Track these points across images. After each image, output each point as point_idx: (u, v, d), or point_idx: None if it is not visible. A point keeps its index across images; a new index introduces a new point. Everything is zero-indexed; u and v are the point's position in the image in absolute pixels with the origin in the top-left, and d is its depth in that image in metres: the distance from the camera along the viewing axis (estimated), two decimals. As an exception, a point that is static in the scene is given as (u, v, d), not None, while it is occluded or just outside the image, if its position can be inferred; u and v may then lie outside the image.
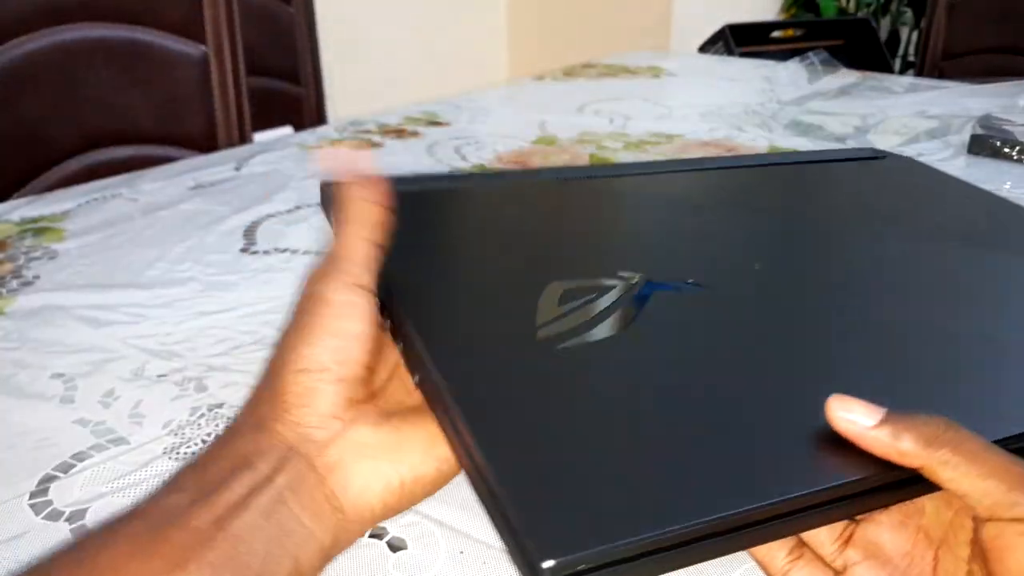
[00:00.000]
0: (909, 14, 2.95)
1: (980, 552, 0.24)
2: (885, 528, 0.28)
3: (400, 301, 0.32)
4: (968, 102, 1.04)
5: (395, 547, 0.33)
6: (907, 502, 0.28)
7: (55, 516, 0.35)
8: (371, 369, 0.29)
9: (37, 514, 0.36)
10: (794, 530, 0.26)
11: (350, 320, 0.29)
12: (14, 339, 0.48)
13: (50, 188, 0.89)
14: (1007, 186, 0.75)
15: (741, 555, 0.32)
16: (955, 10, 1.62)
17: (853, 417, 0.25)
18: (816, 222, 0.45)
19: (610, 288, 0.34)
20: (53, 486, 0.37)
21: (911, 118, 0.99)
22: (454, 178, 0.45)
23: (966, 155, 0.85)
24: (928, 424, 0.24)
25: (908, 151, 0.86)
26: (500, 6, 2.40)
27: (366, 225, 0.31)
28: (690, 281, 0.36)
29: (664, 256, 0.39)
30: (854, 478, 0.25)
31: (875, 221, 0.46)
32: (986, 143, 0.84)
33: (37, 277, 0.56)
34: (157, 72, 1.00)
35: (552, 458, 0.26)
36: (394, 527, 0.34)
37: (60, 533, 0.34)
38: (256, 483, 0.26)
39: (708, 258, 0.40)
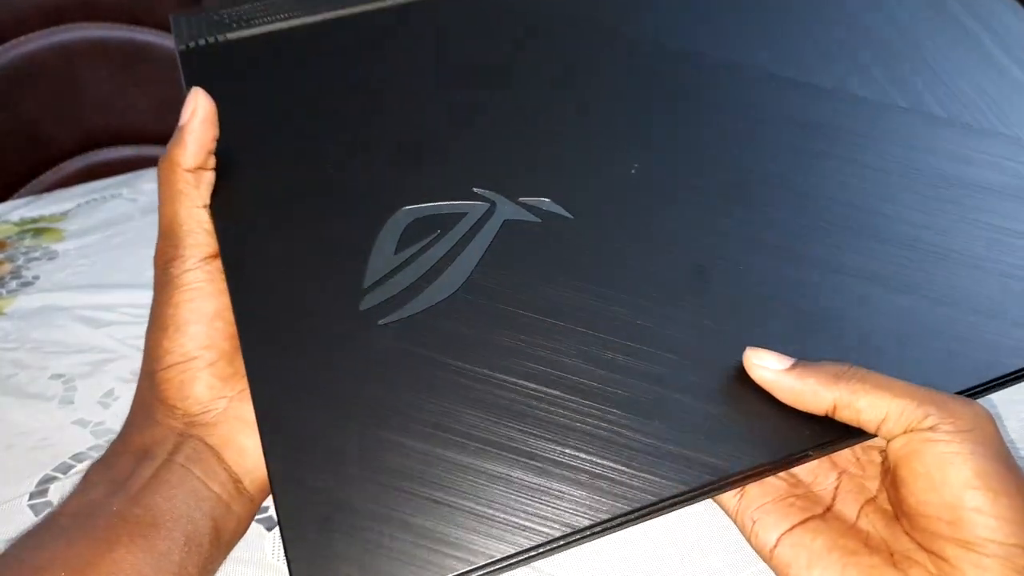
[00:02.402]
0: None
1: (889, 475, 0.26)
2: None
3: (225, 261, 0.30)
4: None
5: (394, 547, 0.33)
6: None
7: (54, 516, 0.35)
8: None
9: (37, 514, 0.36)
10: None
11: (204, 299, 0.29)
12: (13, 339, 0.48)
13: (50, 188, 0.89)
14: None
15: (750, 556, 0.32)
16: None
17: (765, 364, 0.26)
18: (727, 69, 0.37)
19: (458, 217, 0.31)
20: (53, 486, 0.37)
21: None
22: (275, 6, 0.38)
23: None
24: (833, 364, 0.26)
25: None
26: None
27: (193, 191, 0.30)
28: (548, 205, 0.31)
29: (531, 154, 0.33)
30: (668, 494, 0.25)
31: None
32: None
33: (37, 277, 0.56)
34: (157, 72, 1.00)
35: (341, 497, 0.25)
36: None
37: (59, 533, 0.34)
38: (159, 466, 0.28)
39: (587, 150, 0.33)
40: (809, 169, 0.33)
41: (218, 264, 0.30)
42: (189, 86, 0.33)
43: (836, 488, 0.29)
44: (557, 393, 0.27)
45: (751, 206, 0.32)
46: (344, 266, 0.29)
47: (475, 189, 0.32)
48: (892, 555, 0.26)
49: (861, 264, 0.30)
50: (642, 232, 0.31)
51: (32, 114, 0.94)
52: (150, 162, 0.88)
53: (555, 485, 0.25)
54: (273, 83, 0.35)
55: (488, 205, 0.31)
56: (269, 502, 0.35)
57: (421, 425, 0.26)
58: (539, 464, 0.26)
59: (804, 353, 0.27)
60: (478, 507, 0.25)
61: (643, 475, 0.26)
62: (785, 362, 0.27)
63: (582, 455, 0.26)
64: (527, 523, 0.25)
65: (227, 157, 0.32)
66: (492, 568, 0.24)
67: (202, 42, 0.36)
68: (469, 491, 0.25)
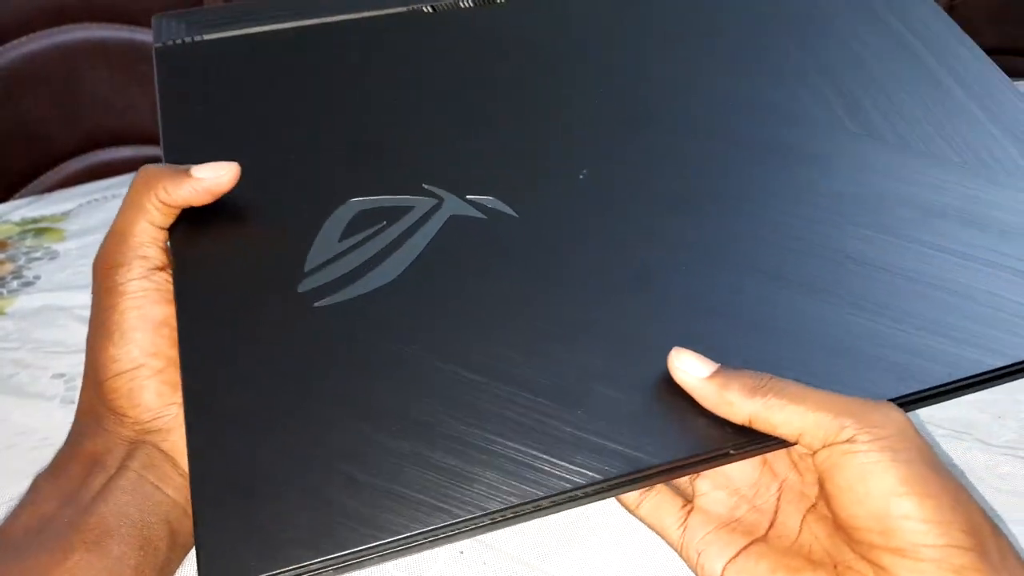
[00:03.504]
0: (909, 14, 2.95)
1: (820, 486, 0.26)
2: (736, 463, 0.30)
3: (171, 241, 0.30)
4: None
5: (395, 547, 0.33)
6: None
7: (56, 516, 0.35)
8: None
9: (38, 514, 0.36)
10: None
11: (150, 306, 0.29)
12: (15, 339, 0.48)
13: (51, 188, 0.89)
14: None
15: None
16: (955, 11, 1.62)
17: (688, 368, 0.26)
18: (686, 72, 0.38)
19: (404, 211, 0.31)
20: (54, 486, 0.37)
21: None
22: (253, 12, 0.39)
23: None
24: (751, 376, 0.26)
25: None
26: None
27: (158, 216, 0.30)
28: (493, 204, 0.32)
29: (482, 152, 0.34)
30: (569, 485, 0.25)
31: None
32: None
33: (38, 277, 0.56)
34: (157, 72, 1.00)
35: (256, 466, 0.25)
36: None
37: (61, 533, 0.34)
38: (111, 475, 0.28)
39: (537, 153, 0.34)
40: (755, 184, 0.34)
41: (165, 275, 0.30)
42: (161, 82, 0.34)
43: (778, 499, 0.29)
44: (483, 380, 0.27)
45: (695, 216, 0.33)
46: (286, 251, 0.30)
47: (424, 185, 0.32)
48: (836, 567, 0.26)
49: (799, 276, 0.31)
50: (585, 234, 0.31)
51: (33, 114, 0.94)
52: (150, 162, 0.88)
53: (472, 468, 0.26)
54: (239, 82, 0.36)
55: (435, 201, 0.32)
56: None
57: (344, 404, 0.26)
58: (459, 447, 0.26)
59: (737, 358, 0.27)
60: (394, 486, 0.25)
61: (562, 463, 0.26)
62: (707, 368, 0.26)
63: (503, 440, 0.26)
64: (441, 504, 0.25)
65: (186, 145, 0.32)
66: (401, 546, 0.25)
67: (179, 41, 0.37)
68: (386, 470, 0.25)
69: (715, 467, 0.28)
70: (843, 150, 0.36)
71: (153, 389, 0.29)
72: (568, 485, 0.25)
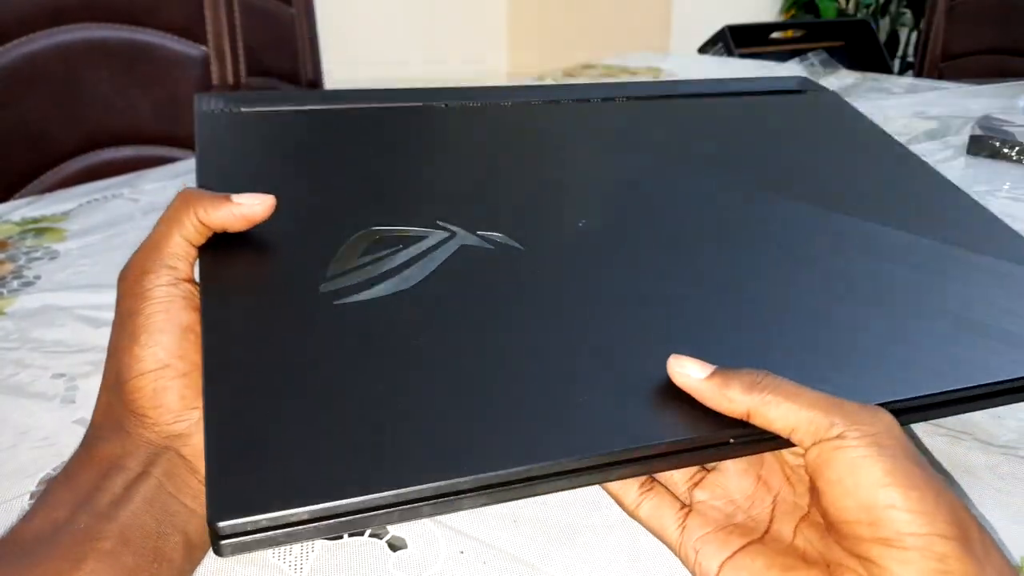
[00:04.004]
0: (908, 15, 2.96)
1: (811, 486, 0.28)
2: (731, 474, 0.32)
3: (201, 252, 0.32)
4: (967, 103, 1.04)
5: (395, 546, 0.34)
6: (752, 460, 0.32)
7: (56, 516, 0.35)
8: None
9: (38, 514, 0.36)
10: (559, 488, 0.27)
11: (177, 312, 0.29)
12: (15, 339, 0.49)
13: (51, 188, 0.89)
14: (1006, 187, 0.76)
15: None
16: (954, 11, 1.62)
17: (687, 371, 0.28)
18: (678, 164, 0.44)
19: (419, 239, 0.35)
20: (54, 486, 0.37)
21: (910, 119, 0.99)
22: (289, 97, 0.45)
23: (965, 156, 0.85)
24: (749, 373, 0.28)
25: (907, 152, 0.87)
26: (500, 6, 2.40)
27: (193, 232, 0.31)
28: (502, 239, 0.35)
29: (494, 202, 0.39)
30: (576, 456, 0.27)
31: (745, 168, 0.44)
32: (985, 144, 0.84)
33: (38, 277, 0.56)
34: (157, 73, 1.00)
35: (270, 417, 0.26)
36: (394, 527, 0.34)
37: (61, 532, 0.34)
38: (130, 480, 0.28)
39: (543, 206, 0.39)
40: (745, 254, 0.37)
41: (192, 287, 0.31)
42: (200, 139, 0.38)
43: (772, 511, 0.30)
44: (486, 372, 0.29)
45: (691, 255, 0.36)
46: (309, 265, 0.32)
47: (438, 222, 0.36)
48: (828, 566, 0.28)
49: (786, 315, 0.34)
50: (584, 267, 0.35)
51: (33, 114, 0.94)
52: (150, 162, 0.88)
53: (477, 436, 0.27)
54: (273, 145, 0.41)
55: (448, 233, 0.35)
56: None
57: (354, 390, 0.28)
58: (465, 419, 0.27)
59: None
60: (401, 446, 0.26)
61: (564, 436, 0.27)
62: (706, 369, 0.28)
63: (508, 411, 0.28)
64: (442, 465, 0.26)
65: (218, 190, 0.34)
66: (399, 505, 0.25)
67: (219, 109, 0.42)
68: (396, 435, 0.26)
69: (715, 459, 0.29)
70: (821, 225, 0.40)
71: (176, 391, 0.29)
72: (571, 458, 0.26)
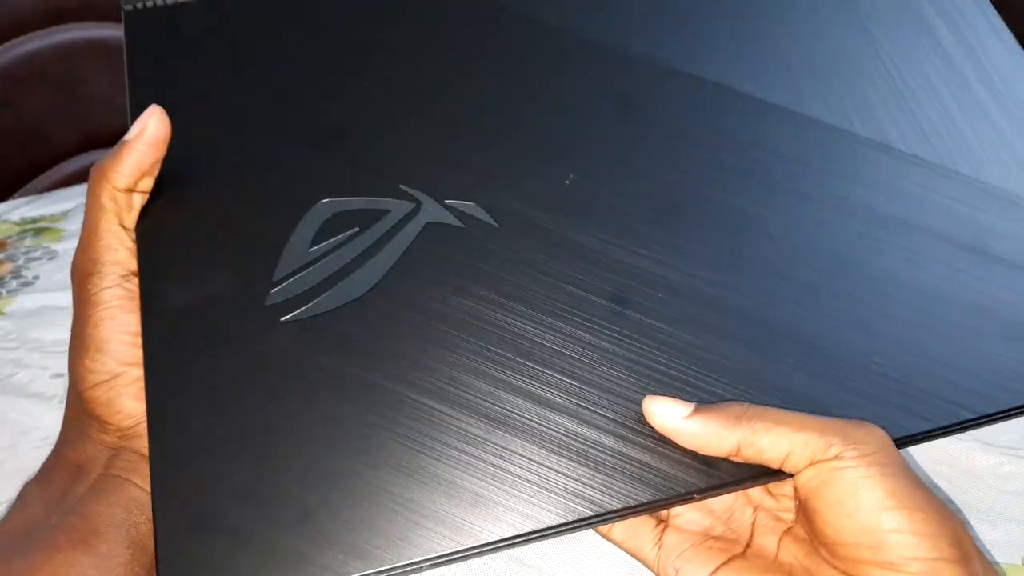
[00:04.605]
0: (909, 15, 2.95)
1: (802, 510, 0.27)
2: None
3: (137, 238, 0.29)
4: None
5: (395, 547, 0.33)
6: None
7: (55, 516, 0.35)
8: None
9: (37, 514, 0.36)
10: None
11: (125, 315, 0.28)
12: (13, 339, 0.48)
13: (50, 188, 0.89)
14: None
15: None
16: (955, 11, 1.62)
17: (666, 412, 0.26)
18: (673, 73, 0.36)
19: (379, 215, 0.30)
20: (53, 486, 0.37)
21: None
22: None
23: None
24: (731, 405, 0.26)
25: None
26: None
27: (118, 210, 0.29)
28: (475, 210, 0.30)
29: (467, 157, 0.32)
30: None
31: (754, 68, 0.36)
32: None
33: (37, 277, 0.56)
34: (157, 72, 1.00)
35: (218, 497, 0.25)
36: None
37: (60, 533, 0.34)
38: (95, 479, 0.28)
39: (524, 161, 0.32)
40: (746, 196, 0.32)
41: (136, 285, 0.29)
42: (130, 45, 0.33)
43: (753, 523, 0.29)
44: (448, 411, 0.27)
45: (680, 233, 0.31)
46: (256, 258, 0.29)
47: (402, 186, 0.31)
48: None
49: (784, 294, 0.30)
50: (565, 250, 0.30)
51: (32, 114, 0.94)
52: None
53: (433, 504, 0.25)
54: (210, 56, 0.34)
55: (412, 205, 0.30)
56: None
57: (306, 428, 0.26)
58: (419, 479, 0.26)
59: (722, 369, 0.28)
60: (346, 513, 0.25)
61: (522, 504, 0.26)
62: (685, 409, 0.26)
63: (462, 475, 0.26)
64: (392, 540, 0.25)
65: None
66: None
67: (147, 4, 0.36)
68: (339, 499, 0.25)
69: (679, 505, 0.28)
70: (845, 157, 0.34)
71: (132, 395, 0.28)
72: (532, 527, 0.25)
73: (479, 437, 0.27)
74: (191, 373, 0.27)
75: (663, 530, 0.30)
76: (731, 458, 0.26)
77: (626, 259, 0.30)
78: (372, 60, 0.35)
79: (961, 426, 0.28)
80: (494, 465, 0.26)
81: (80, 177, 0.94)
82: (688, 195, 0.32)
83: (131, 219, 0.29)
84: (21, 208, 0.68)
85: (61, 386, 0.44)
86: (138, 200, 0.30)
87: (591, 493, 0.26)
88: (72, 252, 0.59)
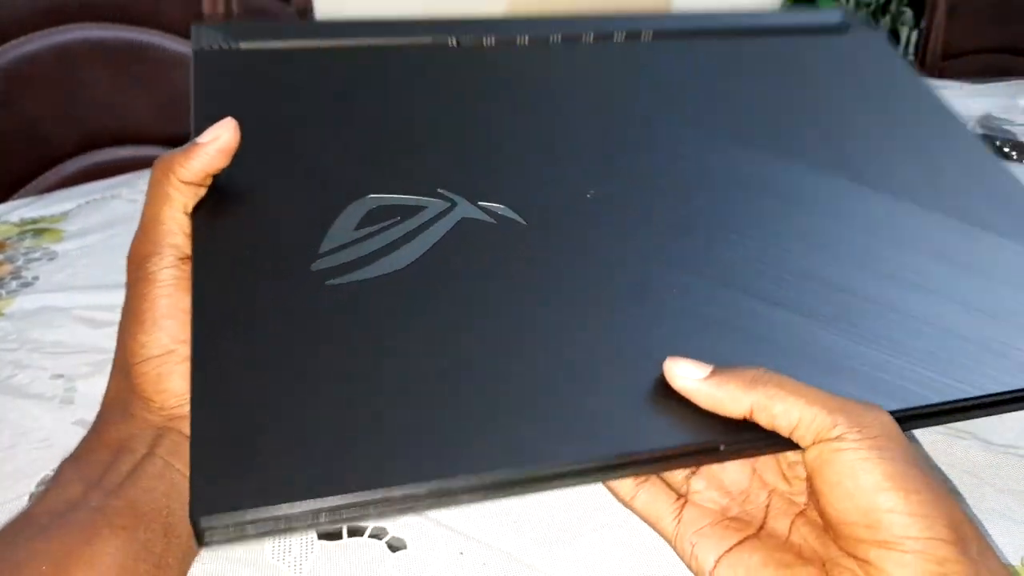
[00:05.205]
0: (909, 14, 2.96)
1: (809, 486, 0.28)
2: (728, 468, 0.32)
3: (193, 224, 0.31)
4: (968, 102, 1.04)
5: (395, 547, 0.33)
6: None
7: (55, 517, 0.35)
8: None
9: (37, 515, 0.36)
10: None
11: (180, 295, 0.30)
12: (13, 340, 0.48)
13: (50, 188, 0.89)
14: (1007, 186, 0.75)
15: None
16: (955, 11, 1.62)
17: (685, 373, 0.27)
18: (698, 123, 0.41)
19: (418, 210, 0.33)
20: (53, 487, 0.37)
21: (911, 118, 0.98)
22: (290, 31, 0.43)
23: (966, 155, 0.85)
24: (748, 370, 0.27)
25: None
26: (499, 6, 2.40)
27: (181, 198, 0.31)
28: (505, 211, 0.34)
29: (498, 167, 0.36)
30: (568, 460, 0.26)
31: (771, 129, 0.41)
32: (986, 143, 0.84)
33: (36, 278, 0.56)
34: (157, 72, 1.00)
35: (257, 411, 0.26)
36: (394, 527, 0.34)
37: (60, 534, 0.34)
38: (137, 461, 0.28)
39: (552, 172, 0.36)
40: (757, 222, 0.36)
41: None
42: (197, 83, 0.35)
43: (767, 506, 0.30)
44: (474, 370, 0.28)
45: (698, 240, 0.34)
46: (302, 237, 0.31)
47: (439, 190, 0.34)
48: (824, 564, 0.28)
49: (795, 300, 0.32)
50: (588, 246, 0.33)
51: (32, 114, 0.94)
52: (150, 162, 0.87)
53: (469, 435, 0.26)
54: (270, 88, 0.38)
55: (448, 203, 0.34)
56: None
57: (346, 382, 0.27)
58: (456, 416, 0.27)
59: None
60: (389, 439, 0.26)
61: (551, 443, 0.27)
62: (704, 370, 0.27)
63: (493, 413, 0.27)
64: (437, 463, 0.25)
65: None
66: (387, 503, 0.25)
67: (216, 47, 0.39)
68: (384, 425, 0.26)
69: (705, 463, 0.29)
70: (838, 196, 0.38)
71: (180, 375, 0.29)
72: (556, 466, 0.26)
73: (501, 385, 0.28)
74: (236, 313, 0.28)
75: (683, 505, 0.31)
76: (746, 419, 0.27)
77: (643, 260, 0.33)
78: (410, 96, 0.39)
79: (965, 407, 0.30)
80: (519, 407, 0.27)
81: (80, 178, 0.94)
82: (699, 213, 0.36)
83: (190, 208, 0.31)
84: (21, 209, 0.68)
85: (61, 387, 0.44)
86: (198, 191, 0.32)
87: (624, 440, 0.27)
88: (71, 253, 0.59)
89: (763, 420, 0.27)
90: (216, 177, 0.32)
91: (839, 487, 0.25)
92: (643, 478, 0.32)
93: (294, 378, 0.27)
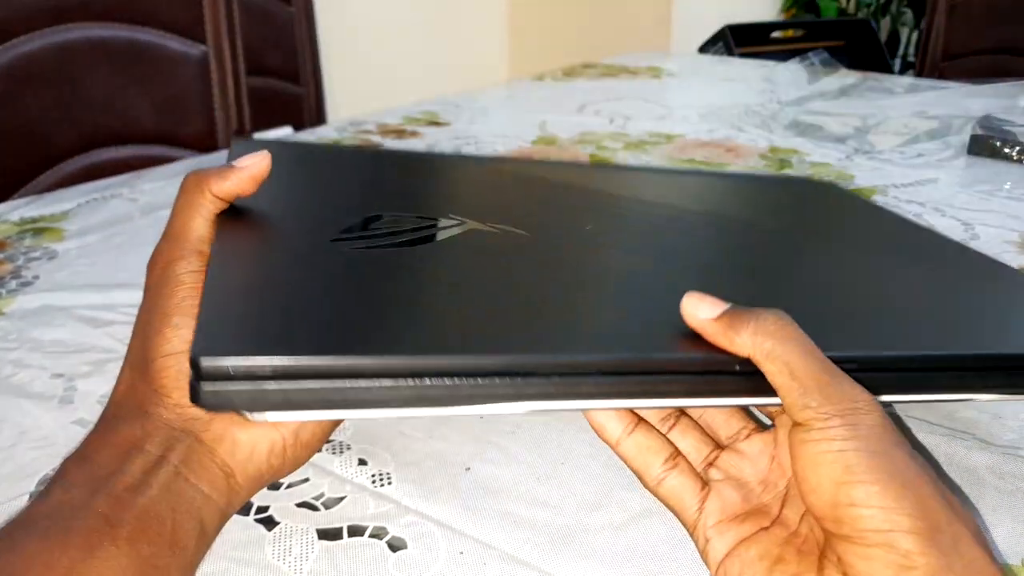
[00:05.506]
0: (909, 15, 2.96)
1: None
2: (746, 457, 0.32)
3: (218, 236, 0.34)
4: (968, 102, 1.04)
5: (395, 547, 0.33)
6: (767, 440, 0.32)
7: (55, 516, 0.35)
8: None
9: (37, 514, 0.36)
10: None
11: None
12: (13, 339, 0.48)
13: (50, 188, 0.89)
14: (1007, 187, 0.75)
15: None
16: (955, 11, 1.62)
17: (698, 309, 0.28)
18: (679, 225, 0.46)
19: (431, 221, 0.37)
20: (53, 486, 0.37)
21: (911, 119, 0.99)
22: (327, 151, 0.50)
23: (966, 155, 0.85)
24: (761, 315, 0.27)
25: (908, 151, 0.87)
26: (500, 6, 2.40)
27: (210, 207, 0.33)
28: (511, 229, 0.38)
29: (501, 203, 0.43)
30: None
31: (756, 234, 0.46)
32: (986, 144, 0.84)
33: (36, 277, 0.56)
34: (157, 72, 1.00)
35: (262, 283, 0.29)
36: (394, 527, 0.34)
37: (60, 533, 0.34)
38: (149, 464, 0.28)
39: (544, 212, 0.43)
40: (748, 263, 0.41)
41: None
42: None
43: (784, 496, 0.31)
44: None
45: (676, 268, 0.39)
46: (320, 226, 0.35)
47: (450, 214, 0.39)
48: (819, 557, 0.28)
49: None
50: (590, 255, 0.37)
51: (32, 114, 0.94)
52: (150, 162, 0.88)
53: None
54: (300, 174, 0.44)
55: (458, 220, 0.38)
56: (262, 501, 0.35)
57: (357, 276, 0.31)
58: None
59: None
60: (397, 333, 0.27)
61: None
62: (716, 310, 0.28)
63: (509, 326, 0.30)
64: (462, 343, 0.27)
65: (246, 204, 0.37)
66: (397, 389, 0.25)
67: (252, 138, 0.45)
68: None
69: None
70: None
71: None
72: (578, 358, 0.27)
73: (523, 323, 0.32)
74: (250, 265, 0.31)
75: (706, 495, 0.31)
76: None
77: (646, 266, 0.37)
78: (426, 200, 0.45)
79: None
80: (538, 332, 0.30)
81: (80, 177, 0.94)
82: (682, 257, 0.41)
83: (216, 214, 0.34)
84: (21, 208, 0.68)
85: (61, 387, 0.44)
86: (223, 205, 0.34)
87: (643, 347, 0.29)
88: (72, 252, 0.59)
89: (765, 370, 0.27)
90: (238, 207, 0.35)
91: (805, 482, 0.25)
92: (672, 464, 0.32)
93: (305, 271, 0.30)
